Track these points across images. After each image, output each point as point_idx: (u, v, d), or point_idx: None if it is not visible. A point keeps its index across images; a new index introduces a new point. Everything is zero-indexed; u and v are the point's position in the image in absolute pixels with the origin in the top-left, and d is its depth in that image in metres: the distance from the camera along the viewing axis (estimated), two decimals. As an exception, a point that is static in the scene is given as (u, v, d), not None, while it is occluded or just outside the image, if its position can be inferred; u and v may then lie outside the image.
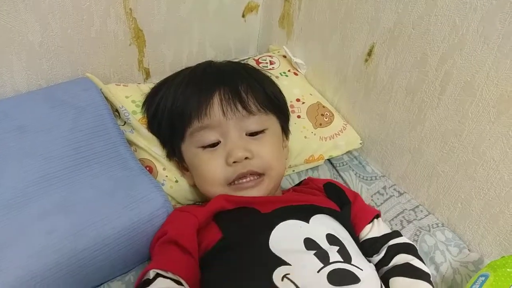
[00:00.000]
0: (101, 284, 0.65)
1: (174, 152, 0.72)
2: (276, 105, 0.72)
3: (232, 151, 0.64)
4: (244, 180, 0.65)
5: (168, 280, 0.54)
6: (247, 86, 0.69)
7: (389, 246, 0.64)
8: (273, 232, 0.56)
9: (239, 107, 0.66)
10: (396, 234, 0.67)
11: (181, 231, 0.59)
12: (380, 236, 0.66)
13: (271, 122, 0.70)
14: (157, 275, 0.55)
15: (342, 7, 0.83)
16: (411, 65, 0.74)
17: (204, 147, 0.67)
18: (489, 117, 0.65)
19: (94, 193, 0.63)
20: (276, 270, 0.51)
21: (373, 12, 0.77)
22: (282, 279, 0.50)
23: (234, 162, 0.64)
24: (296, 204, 0.63)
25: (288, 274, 0.51)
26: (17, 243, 0.56)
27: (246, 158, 0.64)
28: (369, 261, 0.59)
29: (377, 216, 0.69)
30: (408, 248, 0.64)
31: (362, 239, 0.67)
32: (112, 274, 0.65)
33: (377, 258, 0.64)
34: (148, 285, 0.54)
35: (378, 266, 0.63)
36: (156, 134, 0.74)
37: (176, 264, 0.56)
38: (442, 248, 0.74)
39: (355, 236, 0.64)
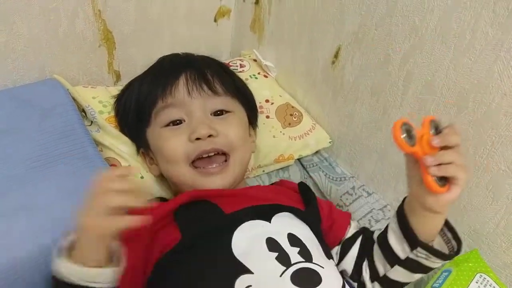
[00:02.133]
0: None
1: (140, 142, 0.72)
2: (241, 93, 0.73)
3: (196, 127, 0.63)
4: (210, 167, 0.64)
5: None
6: (213, 71, 0.70)
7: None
8: (235, 233, 0.56)
9: (205, 88, 0.67)
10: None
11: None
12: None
13: (236, 107, 0.71)
14: None
15: (308, 10, 0.84)
16: (375, 66, 0.75)
17: (167, 125, 0.66)
18: (450, 115, 0.67)
19: (59, 193, 0.62)
20: (238, 279, 0.51)
21: (338, 14, 0.79)
22: None
23: (197, 139, 0.63)
24: (260, 203, 0.62)
25: (250, 286, 0.50)
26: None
27: (210, 136, 0.64)
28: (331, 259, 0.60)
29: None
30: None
31: (344, 239, 0.68)
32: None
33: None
34: None
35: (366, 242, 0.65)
36: (124, 125, 0.74)
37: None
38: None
39: (320, 235, 0.64)
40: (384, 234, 0.62)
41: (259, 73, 0.95)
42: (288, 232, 0.58)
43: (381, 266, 0.62)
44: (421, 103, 0.70)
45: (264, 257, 0.54)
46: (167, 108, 0.66)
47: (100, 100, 0.79)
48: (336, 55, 0.82)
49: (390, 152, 0.78)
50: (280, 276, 0.52)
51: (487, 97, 0.61)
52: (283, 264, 0.53)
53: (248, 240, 0.55)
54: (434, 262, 0.57)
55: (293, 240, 0.57)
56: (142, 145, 0.72)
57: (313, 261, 0.55)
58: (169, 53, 0.78)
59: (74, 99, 0.75)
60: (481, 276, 0.60)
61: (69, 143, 0.69)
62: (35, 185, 0.63)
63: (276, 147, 0.84)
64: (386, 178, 0.81)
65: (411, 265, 0.58)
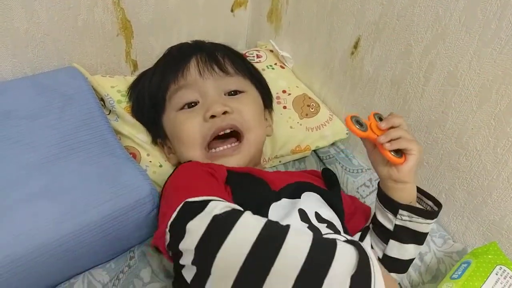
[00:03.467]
0: (83, 272, 0.64)
1: (157, 132, 0.72)
2: (253, 74, 0.73)
3: (210, 105, 0.63)
4: (221, 148, 0.64)
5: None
6: (223, 52, 0.70)
7: None
8: (271, 207, 0.56)
9: (216, 68, 0.67)
10: None
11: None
12: None
13: (249, 87, 0.71)
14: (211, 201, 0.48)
15: (328, 0, 0.84)
16: (396, 56, 0.74)
17: (182, 108, 0.66)
18: (472, 106, 0.66)
19: (80, 179, 0.63)
20: None
21: (359, 5, 0.78)
22: None
23: (212, 117, 0.63)
24: (298, 180, 0.62)
25: None
26: (1, 225, 0.55)
27: (225, 113, 0.63)
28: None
29: None
30: None
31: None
32: (96, 261, 0.65)
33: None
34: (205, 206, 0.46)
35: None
36: (140, 117, 0.74)
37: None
38: (427, 239, 0.74)
39: (343, 219, 0.64)
40: (373, 217, 0.65)
41: (275, 64, 0.94)
42: (315, 211, 0.58)
43: (379, 248, 0.63)
44: (442, 94, 0.69)
45: (297, 224, 0.54)
46: (180, 90, 0.66)
47: (118, 89, 0.79)
48: (355, 46, 0.81)
49: (409, 144, 0.78)
50: None
51: (511, 89, 0.60)
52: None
53: (282, 213, 0.55)
54: (419, 223, 0.59)
55: (320, 218, 0.58)
56: (159, 135, 0.72)
57: (342, 234, 0.55)
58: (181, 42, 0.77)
59: (93, 87, 0.75)
60: (501, 268, 0.60)
61: (89, 131, 0.69)
62: (56, 171, 0.63)
63: (293, 138, 0.84)
64: (404, 170, 0.81)
65: (400, 234, 0.60)
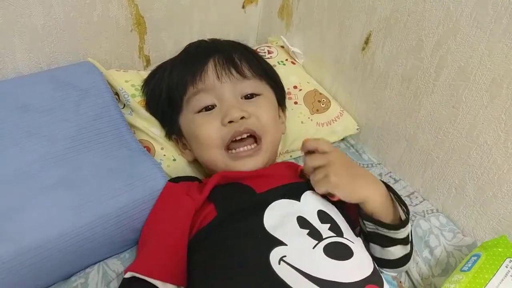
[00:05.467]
0: (98, 262, 0.66)
1: (173, 129, 0.73)
2: (269, 75, 0.74)
3: (228, 111, 0.65)
4: (242, 149, 0.66)
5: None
6: (240, 54, 0.71)
7: None
8: (266, 212, 0.57)
9: (233, 72, 0.68)
10: None
11: (174, 222, 0.59)
12: None
13: (265, 89, 0.72)
14: (133, 278, 0.54)
15: (340, -4, 0.85)
16: (406, 52, 0.75)
17: (200, 111, 0.67)
18: (482, 101, 0.66)
19: (96, 171, 0.64)
20: (272, 251, 0.51)
21: (370, 1, 0.79)
22: (279, 263, 0.50)
23: (230, 122, 0.64)
24: (289, 182, 0.63)
25: (285, 256, 0.51)
26: (20, 216, 0.57)
27: (242, 118, 0.65)
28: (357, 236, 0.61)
29: None
30: None
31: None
32: (111, 251, 0.66)
33: None
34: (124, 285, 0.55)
35: None
36: (155, 113, 0.76)
37: (158, 267, 0.55)
38: (437, 233, 0.75)
39: (344, 213, 0.64)
40: None
41: (286, 60, 0.95)
42: (318, 209, 0.59)
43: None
44: (453, 89, 0.70)
45: (296, 232, 0.55)
46: (198, 94, 0.68)
47: (132, 83, 0.80)
48: (366, 41, 0.82)
49: (420, 139, 0.78)
50: (313, 248, 0.53)
51: (523, 84, 0.61)
52: (315, 239, 0.54)
53: (279, 218, 0.56)
54: (387, 231, 0.59)
55: (324, 216, 0.58)
56: (174, 132, 0.74)
57: (344, 236, 0.56)
58: (198, 40, 0.78)
59: (108, 82, 0.77)
60: (511, 261, 0.60)
61: (104, 124, 0.71)
62: (72, 163, 0.64)
63: (304, 133, 0.84)
64: (415, 164, 0.81)
65: (376, 240, 0.60)
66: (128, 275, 0.55)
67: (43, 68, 0.81)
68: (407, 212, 0.59)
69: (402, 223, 0.58)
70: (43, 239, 0.56)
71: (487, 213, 0.72)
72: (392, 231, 0.58)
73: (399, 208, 0.60)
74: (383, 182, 0.61)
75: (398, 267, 0.64)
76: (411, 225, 0.75)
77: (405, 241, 0.60)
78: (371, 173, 0.63)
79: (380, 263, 0.62)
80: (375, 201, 0.58)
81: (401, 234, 0.59)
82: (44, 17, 0.76)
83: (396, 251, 0.61)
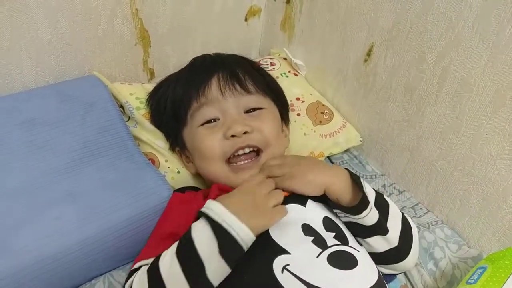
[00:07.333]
0: (104, 273, 0.66)
1: (177, 142, 0.74)
2: (273, 90, 0.74)
3: (231, 125, 0.65)
4: (242, 163, 0.66)
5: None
6: (244, 70, 0.71)
7: None
8: None
9: (237, 87, 0.68)
10: None
11: (183, 220, 0.59)
12: None
13: (268, 103, 0.72)
14: (142, 266, 0.55)
15: (342, 9, 0.85)
16: (409, 63, 0.75)
17: (203, 124, 0.68)
18: (486, 112, 0.67)
19: (102, 184, 0.65)
20: (276, 259, 0.52)
21: (372, 13, 0.79)
22: (282, 271, 0.51)
23: (233, 136, 0.65)
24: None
25: (288, 265, 0.51)
26: (26, 229, 0.58)
27: (245, 133, 0.65)
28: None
29: None
30: None
31: None
32: (116, 262, 0.66)
33: None
34: (132, 275, 0.55)
35: None
36: (159, 126, 0.76)
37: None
38: (442, 245, 0.74)
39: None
40: None
41: (289, 72, 0.96)
42: (324, 216, 0.59)
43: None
44: (456, 100, 0.70)
45: (300, 240, 0.55)
46: (201, 107, 0.68)
47: (137, 96, 0.81)
48: (368, 53, 0.82)
49: (423, 150, 0.78)
50: (317, 257, 0.53)
51: (526, 95, 0.61)
52: (319, 247, 0.54)
53: (284, 224, 0.56)
54: (352, 217, 0.58)
55: (329, 224, 0.58)
56: (178, 145, 0.74)
57: (349, 245, 0.56)
58: (201, 53, 0.79)
59: (113, 95, 0.77)
60: (518, 274, 0.59)
61: (110, 137, 0.71)
62: (78, 176, 0.65)
63: (307, 145, 0.85)
64: (418, 176, 0.81)
65: (352, 228, 0.60)
66: (136, 265, 0.56)
67: (50, 82, 0.82)
68: (364, 197, 0.58)
69: (360, 205, 0.57)
70: (48, 253, 0.57)
71: (493, 225, 0.72)
72: (357, 217, 0.57)
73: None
74: (347, 170, 0.61)
75: (390, 264, 0.62)
76: (418, 232, 0.74)
77: (380, 230, 0.59)
78: (331, 164, 0.66)
79: (374, 259, 0.60)
80: (336, 187, 0.59)
81: (368, 219, 0.58)
82: (50, 32, 0.77)
83: (377, 243, 0.60)
